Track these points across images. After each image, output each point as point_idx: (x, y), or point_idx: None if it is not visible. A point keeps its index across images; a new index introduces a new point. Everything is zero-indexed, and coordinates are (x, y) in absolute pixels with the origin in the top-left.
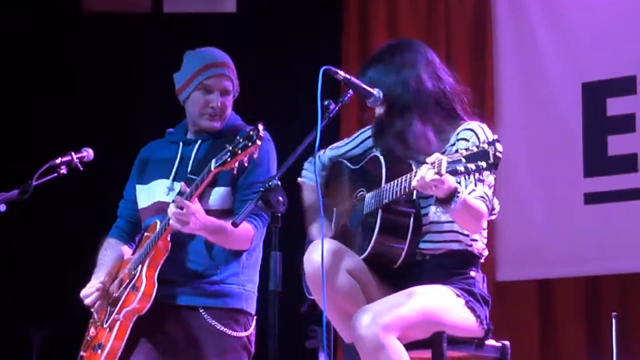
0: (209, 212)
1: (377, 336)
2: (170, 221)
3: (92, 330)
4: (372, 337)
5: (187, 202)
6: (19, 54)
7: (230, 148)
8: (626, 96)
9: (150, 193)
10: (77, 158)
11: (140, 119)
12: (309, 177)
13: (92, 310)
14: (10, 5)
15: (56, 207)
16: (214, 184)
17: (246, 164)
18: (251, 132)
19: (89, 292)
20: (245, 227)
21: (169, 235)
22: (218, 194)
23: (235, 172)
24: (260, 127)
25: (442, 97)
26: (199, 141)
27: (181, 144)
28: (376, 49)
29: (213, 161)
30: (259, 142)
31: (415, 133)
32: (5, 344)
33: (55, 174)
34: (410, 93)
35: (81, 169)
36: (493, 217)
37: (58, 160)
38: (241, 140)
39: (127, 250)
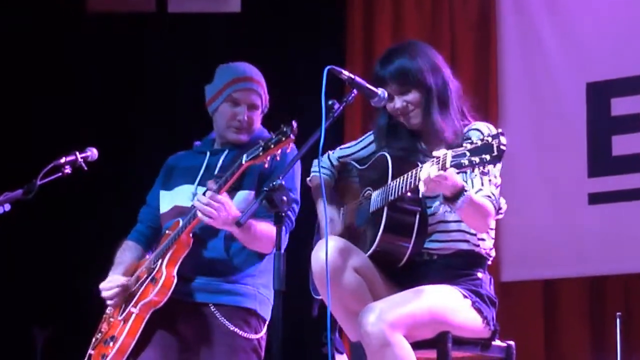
0: None
1: (383, 333)
2: (198, 214)
3: (104, 326)
4: (379, 334)
5: (216, 195)
6: (22, 54)
7: (263, 144)
8: (631, 96)
9: (172, 198)
10: (81, 157)
11: (144, 119)
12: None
13: (108, 303)
14: (13, 5)
15: (60, 207)
16: (238, 187)
17: (278, 158)
18: (284, 128)
19: (109, 286)
20: (272, 229)
21: (192, 232)
22: (242, 197)
23: (266, 165)
24: (294, 123)
25: (459, 96)
26: (226, 151)
27: (208, 153)
28: (381, 49)
29: (244, 155)
30: (292, 137)
31: (446, 124)
32: (9, 344)
33: (60, 174)
34: (445, 81)
35: (85, 168)
36: (500, 216)
37: (62, 160)
38: (274, 136)
39: (144, 257)
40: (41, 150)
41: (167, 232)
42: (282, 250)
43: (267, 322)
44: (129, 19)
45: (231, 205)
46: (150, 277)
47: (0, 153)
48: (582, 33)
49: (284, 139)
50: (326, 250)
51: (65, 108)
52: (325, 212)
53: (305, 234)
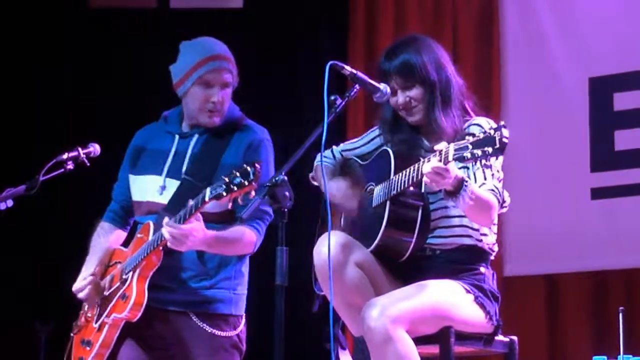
0: (205, 214)
1: (386, 328)
2: (168, 243)
3: (82, 319)
4: (381, 330)
5: (181, 227)
6: (24, 50)
7: (227, 181)
8: (633, 91)
9: (142, 188)
10: (84, 153)
11: (145, 115)
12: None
13: (83, 302)
14: (16, 0)
15: (63, 202)
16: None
17: (240, 202)
18: (248, 169)
19: (82, 286)
20: (247, 232)
21: (162, 248)
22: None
23: (230, 207)
24: (258, 166)
25: (461, 91)
26: (196, 136)
27: (177, 136)
28: (383, 45)
29: (208, 190)
30: (254, 184)
31: (447, 121)
32: (12, 339)
33: (62, 170)
34: (448, 77)
35: (88, 164)
36: (504, 209)
37: (65, 156)
38: (237, 175)
39: (120, 235)
40: (43, 146)
41: (139, 235)
42: (255, 248)
43: (244, 315)
44: (131, 14)
45: (199, 232)
46: (121, 292)
47: (3, 149)
48: (584, 28)
49: (246, 183)
50: (329, 244)
51: (67, 104)
52: (329, 205)
53: (307, 229)
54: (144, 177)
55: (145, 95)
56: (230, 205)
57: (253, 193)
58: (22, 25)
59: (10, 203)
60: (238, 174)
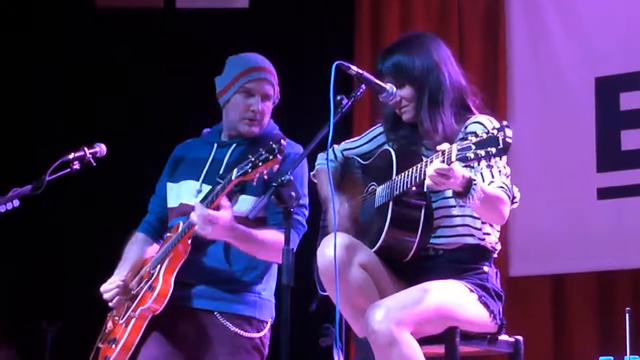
0: (239, 220)
1: (390, 331)
2: (195, 227)
3: (109, 324)
4: (386, 332)
5: (208, 209)
6: (30, 49)
7: (253, 159)
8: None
9: (178, 193)
10: (90, 153)
11: (152, 115)
12: (323, 165)
13: (110, 305)
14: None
15: (70, 202)
16: (242, 191)
17: (266, 177)
18: (273, 146)
19: (109, 288)
20: (278, 237)
21: (190, 239)
22: (244, 202)
23: (254, 182)
24: (283, 141)
25: (460, 91)
26: (234, 145)
27: (215, 145)
28: (389, 44)
29: (235, 170)
30: (279, 157)
31: (435, 122)
32: (19, 338)
33: (69, 170)
34: (438, 79)
35: (94, 164)
36: (515, 205)
37: (71, 156)
38: (263, 153)
39: (154, 247)
40: (49, 146)
41: (168, 234)
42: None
43: (270, 321)
44: (137, 14)
45: (225, 220)
46: (148, 284)
47: (8, 149)
48: (590, 27)
49: (271, 157)
50: (335, 245)
51: (72, 103)
52: (334, 206)
53: (310, 231)
54: (181, 183)
55: (151, 95)
56: (254, 182)
57: (276, 167)
58: (28, 25)
59: (16, 203)
60: (264, 151)
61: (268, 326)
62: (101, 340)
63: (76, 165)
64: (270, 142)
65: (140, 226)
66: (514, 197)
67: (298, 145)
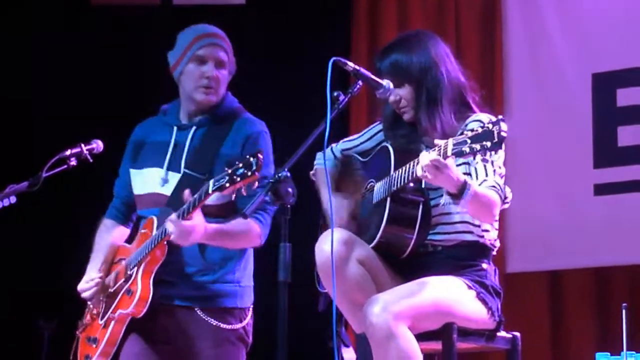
0: (206, 207)
1: (388, 325)
2: (171, 236)
3: (87, 317)
4: (383, 326)
5: (182, 223)
6: (26, 47)
7: (229, 172)
8: (636, 87)
9: (144, 181)
10: (86, 150)
11: (148, 111)
12: (322, 164)
13: (88, 303)
14: None
15: (66, 199)
16: (212, 178)
17: (244, 193)
18: (250, 160)
19: (87, 287)
20: (250, 224)
21: (165, 242)
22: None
23: (233, 197)
24: (260, 156)
25: (459, 88)
26: (194, 128)
27: (175, 128)
28: (386, 41)
29: (211, 183)
30: (257, 175)
31: (434, 120)
32: (15, 337)
33: (65, 166)
34: (436, 78)
35: (91, 160)
36: (506, 205)
37: (68, 152)
38: (240, 166)
39: (123, 231)
40: (46, 143)
41: (142, 230)
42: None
43: (251, 307)
44: (134, 11)
45: (200, 226)
46: (126, 287)
47: (5, 146)
48: (588, 23)
49: (249, 173)
50: (332, 242)
51: (69, 100)
52: (331, 202)
53: (309, 227)
54: (145, 170)
55: (147, 92)
56: (233, 197)
57: (256, 184)
58: (24, 22)
59: (13, 199)
60: (241, 165)
61: (250, 313)
62: (80, 330)
63: (73, 162)
64: (247, 156)
65: (107, 212)
66: (505, 197)
67: (262, 122)
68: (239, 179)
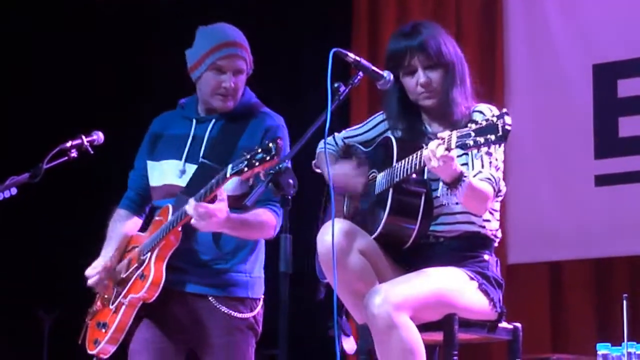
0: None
1: (389, 315)
2: (192, 220)
3: (98, 304)
4: (385, 316)
5: (207, 205)
6: (31, 41)
7: (248, 157)
8: (637, 77)
9: (161, 173)
10: (87, 141)
11: (153, 102)
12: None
13: (95, 290)
14: None
15: (68, 189)
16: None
17: (262, 177)
18: (270, 145)
19: (93, 273)
20: (268, 216)
21: (181, 227)
22: (232, 181)
23: (250, 182)
24: (280, 142)
25: (470, 77)
26: (213, 120)
27: (194, 121)
28: (386, 33)
29: (229, 167)
30: (276, 159)
31: (462, 102)
32: (16, 327)
33: (66, 157)
34: (463, 63)
35: (92, 152)
36: (499, 199)
37: (68, 144)
38: (259, 152)
39: (137, 222)
40: (47, 135)
41: (157, 218)
42: (276, 232)
43: (262, 297)
44: (133, 5)
45: (223, 211)
46: (139, 272)
47: (6, 137)
48: (588, 14)
49: (268, 158)
50: (332, 232)
51: (77, 91)
52: (333, 201)
53: (310, 217)
54: (163, 162)
55: (150, 85)
56: (250, 182)
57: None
58: (27, 16)
59: (14, 191)
60: (260, 150)
61: (261, 303)
62: (89, 317)
63: (74, 153)
64: (267, 141)
65: (121, 202)
66: (499, 191)
67: (280, 117)
68: (257, 163)
